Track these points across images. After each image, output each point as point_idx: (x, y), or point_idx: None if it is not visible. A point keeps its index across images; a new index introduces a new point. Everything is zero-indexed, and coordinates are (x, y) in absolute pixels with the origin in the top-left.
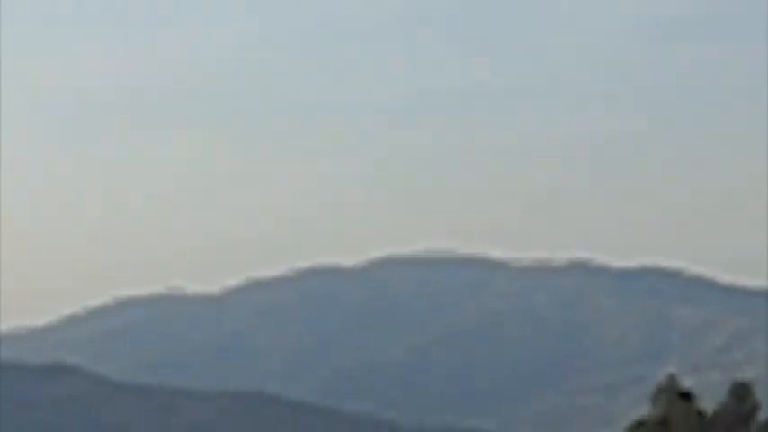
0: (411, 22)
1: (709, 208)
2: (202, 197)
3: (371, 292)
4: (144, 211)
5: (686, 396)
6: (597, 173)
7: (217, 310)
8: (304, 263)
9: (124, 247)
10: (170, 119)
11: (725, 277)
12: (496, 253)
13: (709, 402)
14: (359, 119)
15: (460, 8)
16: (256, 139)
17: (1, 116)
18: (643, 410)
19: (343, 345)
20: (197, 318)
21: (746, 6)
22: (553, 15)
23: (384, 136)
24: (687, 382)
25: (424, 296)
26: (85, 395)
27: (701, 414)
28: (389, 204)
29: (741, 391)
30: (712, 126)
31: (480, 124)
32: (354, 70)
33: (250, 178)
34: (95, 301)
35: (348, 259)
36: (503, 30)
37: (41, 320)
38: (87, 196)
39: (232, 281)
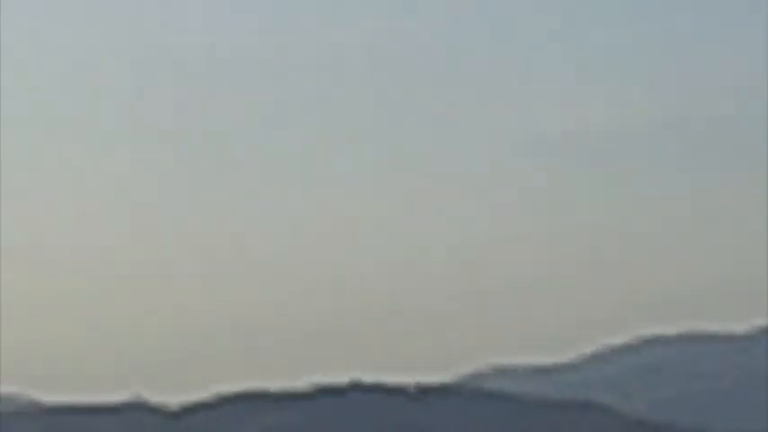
0: None
1: None
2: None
3: None
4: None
5: None
6: None
7: (741, 350)
8: None
9: (645, 287)
10: None
11: None
12: None
13: None
14: None
15: None
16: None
17: None
18: None
19: None
20: (720, 357)
21: None
22: None
23: None
24: None
25: None
26: None
27: None
28: None
29: None
30: None
31: None
32: None
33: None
34: (619, 339)
35: None
36: None
37: (565, 357)
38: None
39: (760, 321)
